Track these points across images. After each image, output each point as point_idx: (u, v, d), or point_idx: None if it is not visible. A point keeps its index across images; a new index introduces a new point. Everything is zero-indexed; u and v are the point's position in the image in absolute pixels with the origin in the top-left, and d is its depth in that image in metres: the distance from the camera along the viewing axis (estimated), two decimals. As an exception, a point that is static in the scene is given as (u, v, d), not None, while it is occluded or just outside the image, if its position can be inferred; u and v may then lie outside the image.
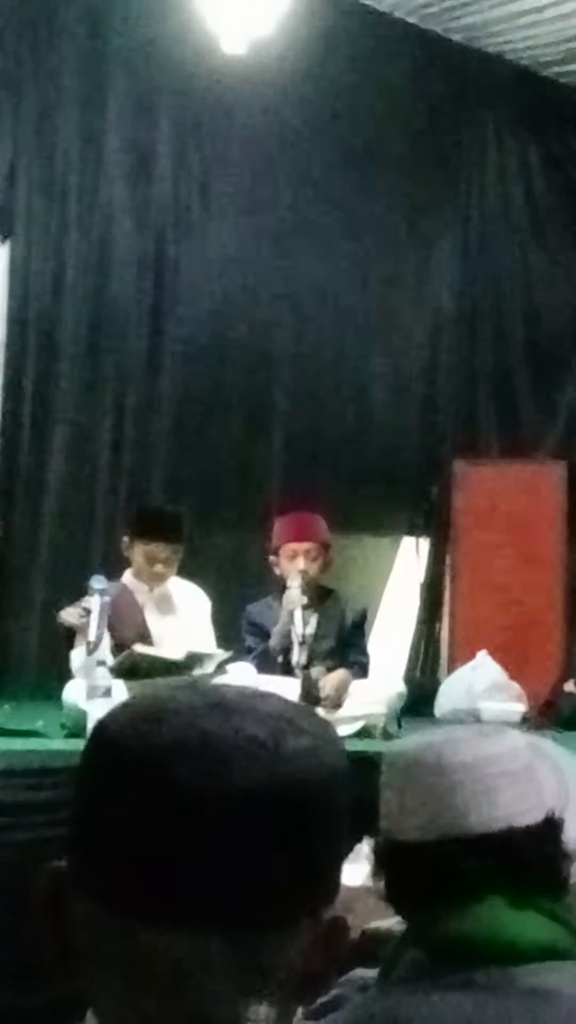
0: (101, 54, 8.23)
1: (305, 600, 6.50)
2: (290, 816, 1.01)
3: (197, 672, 6.06)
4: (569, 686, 7.94)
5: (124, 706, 1.08)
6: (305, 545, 6.71)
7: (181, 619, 6.54)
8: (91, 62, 8.20)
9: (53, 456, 8.10)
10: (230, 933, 1.00)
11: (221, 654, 6.22)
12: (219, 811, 0.99)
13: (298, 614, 6.42)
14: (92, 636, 5.79)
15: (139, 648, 6.02)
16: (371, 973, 2.06)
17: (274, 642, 6.57)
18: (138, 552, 6.44)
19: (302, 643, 6.34)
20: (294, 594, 6.49)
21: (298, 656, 6.36)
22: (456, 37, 9.29)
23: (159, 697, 1.06)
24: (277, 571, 6.77)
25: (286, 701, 1.08)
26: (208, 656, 6.17)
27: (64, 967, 1.05)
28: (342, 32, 8.73)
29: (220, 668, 6.07)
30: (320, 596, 6.80)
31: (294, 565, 6.66)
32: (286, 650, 6.49)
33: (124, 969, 1.01)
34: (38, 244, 8.09)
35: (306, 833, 1.02)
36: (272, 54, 7.77)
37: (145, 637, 6.34)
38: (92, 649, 5.75)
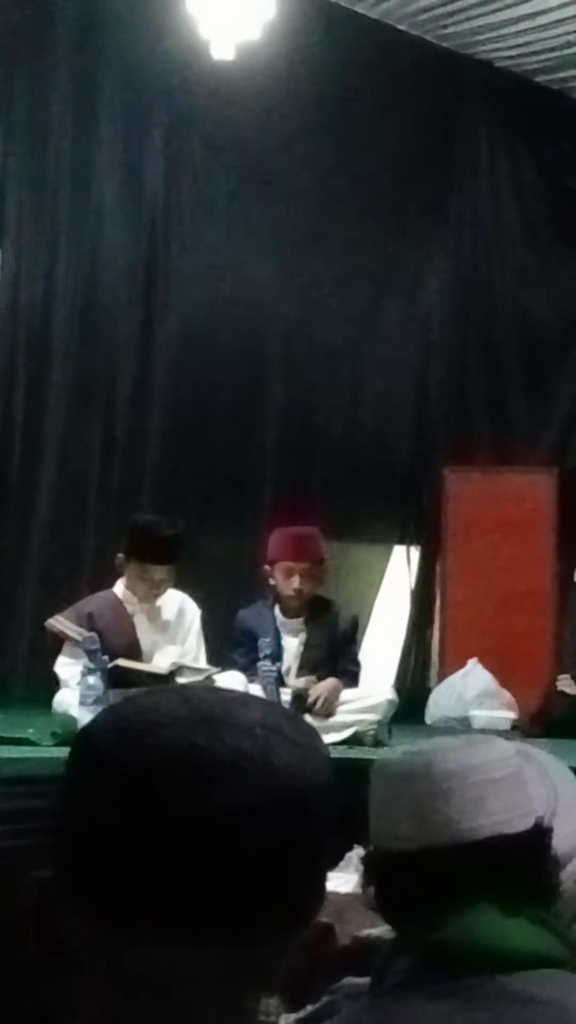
0: (91, 60, 8.24)
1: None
2: (280, 829, 1.01)
3: (184, 682, 6.06)
4: (563, 683, 7.94)
5: (109, 712, 1.07)
6: (302, 565, 6.73)
7: (172, 630, 6.52)
8: (81, 68, 8.21)
9: (44, 462, 8.09)
10: (222, 947, 1.00)
11: (209, 669, 6.22)
12: (209, 826, 0.98)
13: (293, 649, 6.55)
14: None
15: (122, 662, 6.01)
16: (362, 981, 2.06)
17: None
18: (133, 571, 6.42)
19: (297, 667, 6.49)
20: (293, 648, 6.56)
21: (291, 671, 6.47)
22: (447, 44, 9.30)
23: (145, 706, 1.04)
24: (271, 582, 6.79)
25: (272, 707, 1.08)
26: (195, 669, 6.18)
27: (51, 977, 1.04)
28: (332, 39, 8.74)
29: (209, 680, 6.07)
30: (314, 607, 6.81)
31: (290, 584, 6.70)
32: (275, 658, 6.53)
33: (112, 982, 1.01)
34: (29, 249, 8.09)
35: (296, 845, 1.02)
36: (261, 60, 7.78)
37: (134, 650, 6.32)
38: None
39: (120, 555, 6.48)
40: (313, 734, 1.08)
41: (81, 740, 1.06)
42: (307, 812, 1.03)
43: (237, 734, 1.02)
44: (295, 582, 6.71)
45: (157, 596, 6.45)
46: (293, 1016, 2.01)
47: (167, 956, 0.99)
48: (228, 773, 1.00)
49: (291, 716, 1.09)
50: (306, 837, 1.03)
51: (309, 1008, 2.08)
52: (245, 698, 1.08)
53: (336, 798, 1.06)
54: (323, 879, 1.07)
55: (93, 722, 1.07)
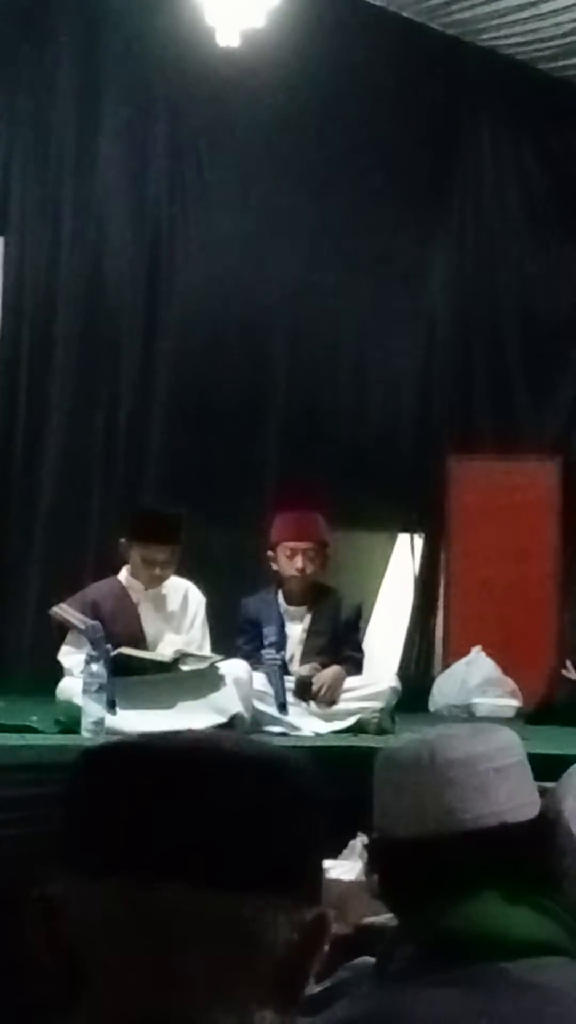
0: (95, 48, 8.23)
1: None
2: (273, 790, 1.13)
3: (187, 669, 6.06)
4: (569, 672, 7.95)
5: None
6: (304, 545, 6.72)
7: (176, 618, 6.52)
8: (85, 56, 8.20)
9: (47, 451, 8.10)
10: (218, 893, 1.08)
11: (212, 657, 6.22)
12: (208, 777, 1.11)
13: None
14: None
15: (125, 650, 6.01)
16: (373, 961, 2.07)
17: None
18: (136, 554, 6.40)
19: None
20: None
21: (295, 659, 6.47)
22: (452, 32, 9.28)
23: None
24: (274, 567, 6.78)
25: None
26: (198, 657, 6.18)
27: (58, 973, 1.11)
28: (336, 26, 8.73)
29: (212, 668, 6.07)
30: (317, 594, 6.81)
31: (292, 564, 6.69)
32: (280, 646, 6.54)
33: (116, 938, 1.09)
34: (33, 240, 8.09)
35: (287, 808, 1.13)
36: (266, 47, 7.76)
37: (138, 639, 6.32)
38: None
39: (123, 540, 6.47)
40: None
41: (80, 758, 1.17)
42: (296, 782, 1.15)
43: (225, 736, 1.25)
44: (298, 562, 6.69)
45: (160, 581, 6.43)
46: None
47: (166, 896, 1.08)
48: (226, 738, 1.20)
49: None
50: (288, 803, 1.13)
51: (316, 988, 2.09)
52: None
53: (318, 783, 1.17)
54: (312, 855, 1.15)
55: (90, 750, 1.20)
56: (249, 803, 1.11)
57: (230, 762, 1.13)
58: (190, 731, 1.21)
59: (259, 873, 1.10)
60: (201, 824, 1.09)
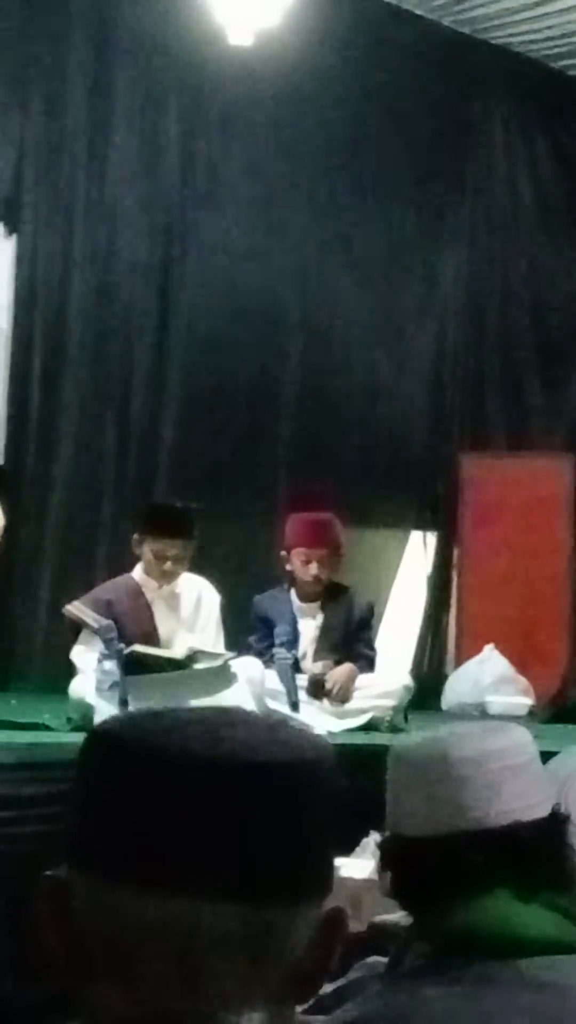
0: (108, 47, 8.23)
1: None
2: (290, 791, 1.06)
3: (200, 667, 6.06)
4: None
5: (109, 720, 1.15)
6: (318, 552, 6.72)
7: (190, 616, 6.51)
8: (98, 55, 8.20)
9: (60, 450, 8.10)
10: (237, 903, 1.04)
11: (225, 654, 6.21)
12: (223, 781, 1.04)
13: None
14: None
15: (138, 648, 6.00)
16: (385, 960, 2.07)
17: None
18: (147, 550, 6.37)
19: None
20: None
21: (307, 656, 6.48)
22: (464, 29, 9.28)
23: (151, 712, 1.12)
24: (288, 567, 6.78)
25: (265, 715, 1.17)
26: (211, 654, 6.17)
27: (67, 969, 1.08)
28: (349, 24, 8.73)
29: (225, 666, 6.06)
30: (330, 592, 6.81)
31: (307, 570, 6.71)
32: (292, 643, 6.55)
33: (133, 949, 1.04)
34: (45, 238, 8.09)
35: (306, 810, 1.07)
36: (279, 45, 7.76)
37: (152, 637, 6.31)
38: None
39: (135, 535, 6.45)
40: (311, 730, 1.16)
41: (90, 738, 1.12)
42: (313, 779, 1.08)
43: (244, 716, 1.11)
44: (312, 568, 6.71)
45: (172, 577, 6.41)
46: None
47: (184, 911, 1.03)
48: (239, 736, 1.07)
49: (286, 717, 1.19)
50: (312, 804, 1.08)
51: (330, 987, 2.09)
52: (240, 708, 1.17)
53: (337, 779, 1.11)
54: (328, 853, 1.11)
55: (105, 722, 1.15)
56: (270, 809, 1.05)
57: (249, 761, 1.05)
58: (203, 711, 1.11)
59: (280, 880, 1.06)
60: (220, 832, 1.04)
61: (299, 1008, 1.12)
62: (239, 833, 1.04)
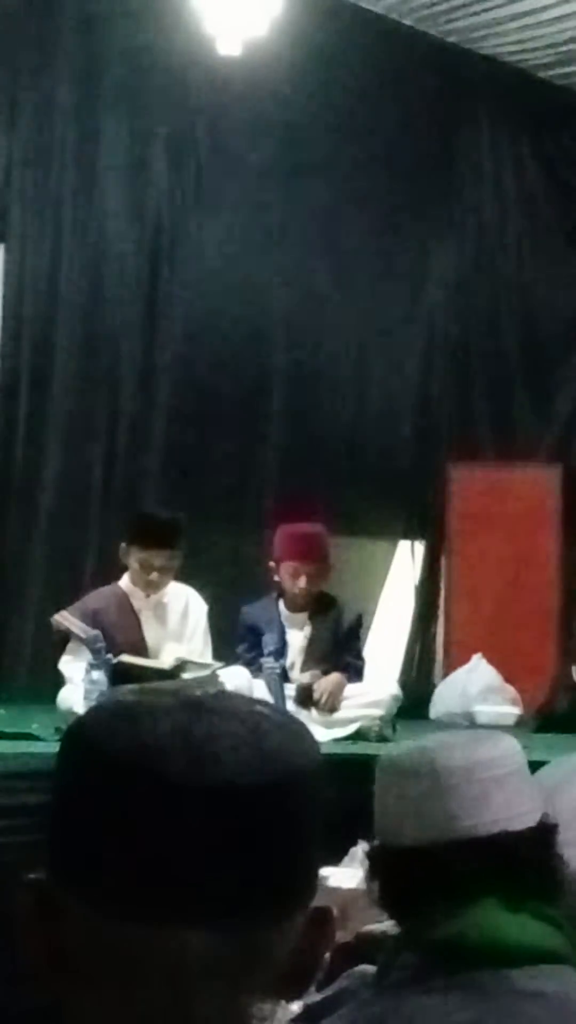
0: (96, 56, 8.23)
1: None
2: (275, 808, 1.02)
3: (187, 677, 6.05)
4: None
5: (95, 710, 1.09)
6: (308, 567, 6.72)
7: (177, 626, 6.51)
8: (86, 64, 8.20)
9: (47, 459, 8.09)
10: (223, 928, 1.00)
11: (213, 664, 6.21)
12: (208, 805, 0.99)
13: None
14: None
15: (125, 658, 6.00)
16: (374, 969, 2.07)
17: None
18: (134, 559, 6.39)
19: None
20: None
21: (295, 666, 6.48)
22: (451, 39, 9.29)
23: (134, 700, 1.06)
24: (276, 578, 6.78)
25: (256, 700, 1.10)
26: (199, 664, 6.17)
27: (51, 979, 1.04)
28: (337, 34, 8.73)
29: (213, 676, 6.06)
30: (319, 602, 6.81)
31: (296, 583, 6.71)
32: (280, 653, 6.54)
33: (119, 971, 1.00)
34: (33, 247, 8.09)
35: (291, 825, 1.03)
36: (267, 56, 7.76)
37: (139, 647, 6.31)
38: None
39: (123, 544, 6.46)
40: (298, 721, 1.09)
41: (72, 733, 1.07)
42: (300, 792, 1.03)
43: (227, 719, 1.03)
44: (301, 582, 6.71)
45: (158, 587, 6.42)
46: (299, 1002, 2.01)
47: (172, 939, 0.99)
48: (222, 753, 1.01)
49: (274, 705, 1.12)
50: (300, 817, 1.03)
51: (318, 996, 2.09)
52: (228, 691, 1.11)
53: (325, 781, 1.07)
54: (317, 863, 1.07)
55: (82, 716, 1.09)
56: (260, 829, 1.00)
57: (233, 784, 1.00)
58: (180, 706, 1.03)
59: (268, 899, 1.02)
60: (203, 856, 0.99)
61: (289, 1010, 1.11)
62: (225, 855, 0.99)
